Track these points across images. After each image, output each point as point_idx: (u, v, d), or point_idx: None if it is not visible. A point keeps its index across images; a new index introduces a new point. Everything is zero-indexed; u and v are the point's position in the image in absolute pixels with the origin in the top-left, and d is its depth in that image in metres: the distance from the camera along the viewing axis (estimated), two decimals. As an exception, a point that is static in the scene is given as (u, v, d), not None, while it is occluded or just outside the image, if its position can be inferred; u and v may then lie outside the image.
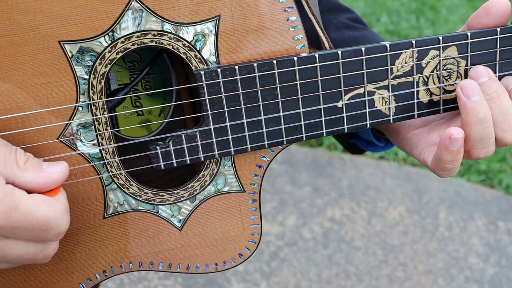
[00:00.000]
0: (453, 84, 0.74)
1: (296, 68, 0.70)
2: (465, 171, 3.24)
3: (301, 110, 0.72)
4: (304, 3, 0.75)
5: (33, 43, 0.65)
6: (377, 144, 0.89)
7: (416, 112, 0.74)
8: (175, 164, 0.73)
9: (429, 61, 0.72)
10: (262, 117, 0.72)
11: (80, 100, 0.68)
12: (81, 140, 0.70)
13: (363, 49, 0.70)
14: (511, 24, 0.73)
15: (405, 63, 0.72)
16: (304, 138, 0.74)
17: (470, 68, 0.73)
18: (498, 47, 0.72)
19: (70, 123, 0.69)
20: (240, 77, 0.69)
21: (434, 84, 0.73)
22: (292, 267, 2.64)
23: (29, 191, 0.63)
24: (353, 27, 0.89)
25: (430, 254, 2.80)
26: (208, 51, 0.68)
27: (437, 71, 0.73)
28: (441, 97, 0.74)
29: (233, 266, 0.80)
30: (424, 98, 0.74)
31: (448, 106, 0.75)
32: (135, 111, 0.85)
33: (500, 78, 0.74)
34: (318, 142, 3.16)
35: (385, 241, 2.79)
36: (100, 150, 0.71)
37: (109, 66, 0.68)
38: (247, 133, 0.72)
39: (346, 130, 0.74)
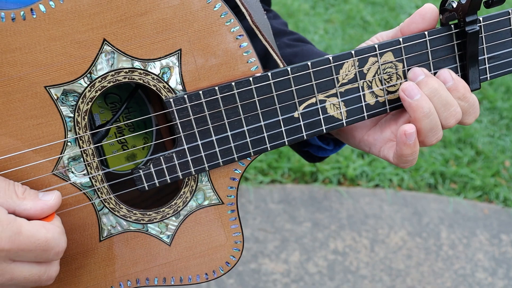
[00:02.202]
0: (394, 85, 0.84)
1: (253, 86, 0.80)
2: (460, 189, 3.31)
3: (262, 123, 0.82)
4: (257, 32, 0.86)
5: (23, 91, 0.75)
6: (326, 148, 0.99)
7: (365, 114, 0.84)
8: (157, 184, 0.82)
9: (370, 67, 0.82)
10: (229, 133, 0.81)
11: (68, 136, 0.78)
12: (72, 172, 0.79)
13: (309, 63, 0.80)
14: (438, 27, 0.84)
15: (348, 71, 0.82)
16: (269, 148, 0.83)
17: (408, 69, 0.83)
18: (429, 48, 0.83)
19: (62, 157, 0.78)
20: (204, 100, 0.79)
21: (378, 86, 0.83)
22: (301, 302, 2.68)
23: (28, 218, 0.73)
24: (294, 45, 1.00)
25: (437, 274, 2.84)
26: (174, 81, 0.79)
27: (378, 75, 0.83)
28: (385, 97, 0.84)
29: (222, 274, 0.87)
30: (371, 100, 0.84)
31: (393, 105, 0.84)
32: (121, 148, 0.95)
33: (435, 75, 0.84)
34: (313, 178, 3.24)
35: (390, 267, 2.84)
36: (89, 178, 0.80)
37: (90, 103, 0.78)
38: (217, 149, 0.81)
39: (305, 137, 0.83)
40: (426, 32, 0.82)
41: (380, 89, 0.83)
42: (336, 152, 1.03)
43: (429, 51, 0.82)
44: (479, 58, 0.84)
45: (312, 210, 3.07)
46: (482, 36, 0.83)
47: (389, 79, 0.83)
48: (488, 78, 0.85)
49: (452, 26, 0.82)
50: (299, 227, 2.97)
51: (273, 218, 3.00)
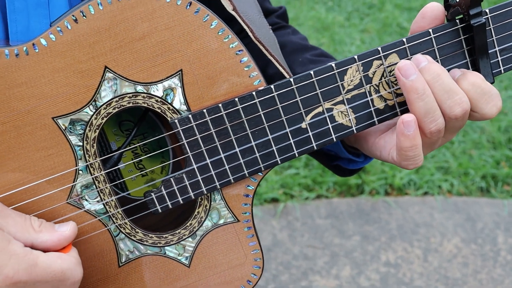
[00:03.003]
0: (403, 87, 0.81)
1: (257, 100, 0.79)
2: (514, 191, 3.18)
3: (270, 137, 0.81)
4: (261, 46, 0.85)
5: (32, 124, 0.77)
6: (356, 160, 0.96)
7: (376, 119, 0.82)
8: (170, 206, 0.82)
9: (375, 71, 0.80)
10: (237, 149, 0.81)
11: (79, 164, 0.79)
12: (86, 199, 0.81)
13: (312, 72, 0.79)
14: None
15: (353, 77, 0.80)
16: (279, 162, 0.82)
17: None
18: (435, 45, 0.80)
19: (74, 185, 0.80)
20: (209, 118, 0.79)
21: (385, 90, 0.81)
22: (356, 318, 2.62)
23: (46, 250, 0.74)
24: (317, 61, 0.98)
25: (496, 281, 2.73)
26: (178, 102, 0.79)
27: (384, 78, 0.81)
28: (395, 100, 0.82)
29: (244, 292, 0.86)
30: (380, 104, 0.82)
31: (404, 107, 0.82)
32: (140, 173, 0.96)
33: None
34: (359, 190, 3.19)
35: (446, 276, 2.74)
36: (103, 204, 0.81)
37: (97, 131, 0.79)
38: (227, 166, 0.81)
39: (315, 148, 0.82)
40: (430, 30, 0.79)
41: (388, 92, 0.81)
42: (367, 164, 1.00)
43: (436, 49, 0.80)
44: (490, 51, 0.81)
45: (360, 223, 3.01)
46: (490, 29, 0.80)
47: (397, 81, 0.81)
48: (502, 71, 0.82)
49: (458, 21, 0.80)
50: (348, 241, 2.92)
51: (321, 233, 2.96)
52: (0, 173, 0.77)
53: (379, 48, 0.80)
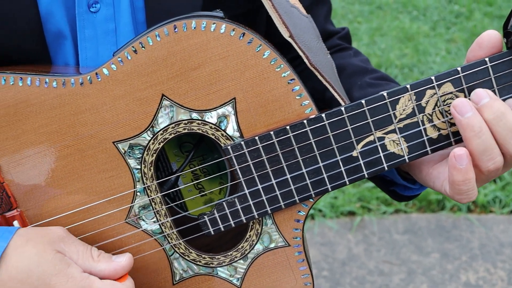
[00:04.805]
0: (458, 117, 0.79)
1: (308, 129, 0.80)
2: None
3: (320, 164, 0.81)
4: (317, 73, 0.86)
5: (94, 147, 0.82)
6: (412, 187, 0.94)
7: (428, 148, 0.81)
8: (222, 229, 0.84)
9: (428, 100, 0.79)
10: (288, 176, 0.82)
11: (137, 186, 0.84)
12: (143, 220, 0.85)
13: (363, 101, 0.79)
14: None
15: (406, 106, 0.79)
16: (330, 189, 0.82)
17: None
18: (492, 74, 0.78)
19: (132, 206, 0.84)
20: (261, 145, 0.81)
21: (439, 119, 0.80)
22: (432, 339, 2.54)
23: (103, 278, 0.80)
24: (376, 84, 0.97)
25: None
26: (231, 129, 0.81)
27: (438, 107, 0.79)
28: (449, 130, 0.80)
29: (294, 316, 0.87)
30: (433, 134, 0.80)
31: (458, 137, 0.80)
32: (198, 193, 0.99)
33: (503, 102, 0.78)
34: (440, 206, 3.09)
35: (532, 300, 2.60)
36: (159, 225, 0.85)
37: (154, 155, 0.83)
38: (278, 192, 0.82)
39: (366, 176, 0.82)
40: (487, 58, 0.77)
41: (442, 121, 0.80)
42: (423, 191, 0.98)
43: (493, 78, 0.78)
44: (554, 80, 0.77)
45: (440, 240, 2.92)
46: (554, 57, 0.77)
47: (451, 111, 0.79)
48: None
49: (517, 49, 0.77)
50: (427, 258, 2.84)
51: (398, 249, 2.90)
52: (65, 193, 0.83)
53: (433, 78, 0.78)
